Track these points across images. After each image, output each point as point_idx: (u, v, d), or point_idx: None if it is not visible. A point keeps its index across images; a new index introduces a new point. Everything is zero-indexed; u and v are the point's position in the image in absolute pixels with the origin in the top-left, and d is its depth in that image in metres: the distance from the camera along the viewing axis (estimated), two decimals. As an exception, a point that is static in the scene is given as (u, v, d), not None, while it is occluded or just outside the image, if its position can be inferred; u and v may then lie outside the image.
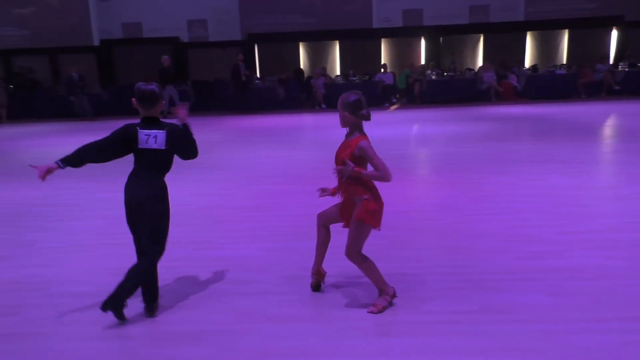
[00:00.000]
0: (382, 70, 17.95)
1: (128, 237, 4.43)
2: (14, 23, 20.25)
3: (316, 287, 3.55)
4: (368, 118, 3.20)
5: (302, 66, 20.98)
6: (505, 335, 2.92)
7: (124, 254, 4.36)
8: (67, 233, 5.05)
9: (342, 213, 3.34)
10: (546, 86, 17.20)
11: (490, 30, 20.44)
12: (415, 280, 3.69)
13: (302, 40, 21.01)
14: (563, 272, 3.73)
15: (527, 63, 20.56)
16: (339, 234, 3.49)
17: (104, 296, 3.59)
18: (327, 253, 3.53)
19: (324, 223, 3.48)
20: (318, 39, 20.90)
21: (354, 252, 3.23)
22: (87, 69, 19.01)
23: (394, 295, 3.31)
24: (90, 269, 4.11)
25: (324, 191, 3.45)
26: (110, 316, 3.30)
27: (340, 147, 3.26)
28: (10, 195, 6.71)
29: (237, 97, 16.48)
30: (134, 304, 3.39)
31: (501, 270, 3.80)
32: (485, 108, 15.28)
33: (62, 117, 16.81)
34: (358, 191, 3.16)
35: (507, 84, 17.29)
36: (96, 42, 20.40)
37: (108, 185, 6.99)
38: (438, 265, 3.95)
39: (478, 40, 21.21)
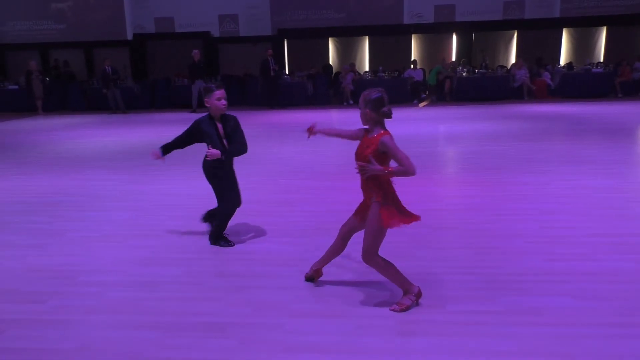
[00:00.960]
0: (412, 66, 17.76)
1: (156, 229, 4.53)
2: (52, 17, 20.78)
3: (309, 279, 3.66)
4: (389, 116, 3.13)
5: (331, 62, 20.94)
6: (530, 338, 2.87)
7: (152, 245, 4.45)
8: (98, 223, 5.17)
9: (359, 211, 3.34)
10: (582, 85, 16.73)
11: (525, 26, 19.99)
12: (439, 279, 3.64)
13: (331, 36, 20.96)
14: (592, 275, 3.64)
15: (562, 61, 20.05)
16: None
17: (129, 286, 3.68)
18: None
19: (343, 236, 3.47)
20: (348, 35, 20.81)
21: (371, 255, 3.19)
22: (120, 62, 19.39)
23: (419, 295, 3.27)
24: (118, 259, 4.20)
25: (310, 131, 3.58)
26: (135, 306, 3.37)
27: (360, 144, 3.23)
28: (45, 185, 6.90)
29: (266, 92, 16.55)
30: (150, 295, 3.44)
31: (528, 272, 3.73)
32: (518, 106, 14.98)
33: (96, 110, 17.20)
34: (372, 191, 3.15)
35: (540, 82, 16.90)
36: (129, 37, 20.77)
37: (139, 176, 7.13)
38: (463, 265, 3.90)
39: (511, 37, 20.78)
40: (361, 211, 3.33)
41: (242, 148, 4.23)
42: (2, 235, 4.88)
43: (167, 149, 4.37)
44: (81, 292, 3.61)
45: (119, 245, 4.54)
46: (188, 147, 4.39)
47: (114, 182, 6.91)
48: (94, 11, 20.60)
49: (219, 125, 4.16)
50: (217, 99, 4.01)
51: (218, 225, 4.38)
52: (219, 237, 4.42)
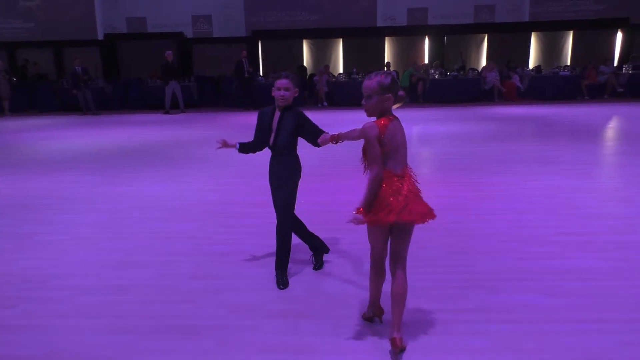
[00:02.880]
0: (386, 68, 17.92)
1: (128, 231, 4.44)
2: (20, 16, 20.28)
3: (368, 319, 3.13)
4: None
5: (305, 63, 20.96)
6: (502, 335, 2.92)
7: (124, 248, 4.38)
8: (67, 226, 5.06)
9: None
10: (550, 87, 17.14)
11: (495, 30, 20.39)
12: (415, 278, 3.67)
13: (306, 38, 20.99)
14: (562, 273, 3.73)
15: (531, 64, 20.51)
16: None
17: (102, 289, 3.61)
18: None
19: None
20: (322, 37, 20.87)
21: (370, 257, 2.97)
22: (91, 62, 19.05)
23: (371, 318, 3.08)
24: (90, 262, 4.12)
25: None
26: (108, 309, 3.32)
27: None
28: (12, 187, 6.72)
29: (240, 93, 16.46)
30: (132, 296, 3.39)
31: (500, 270, 3.80)
32: (488, 108, 15.25)
33: (66, 111, 16.84)
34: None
35: (510, 84, 17.24)
36: (100, 36, 20.41)
37: (110, 178, 7.00)
38: (437, 264, 3.95)
39: (482, 40, 21.16)
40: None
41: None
42: (-32, 239, 4.74)
43: (244, 146, 3.78)
44: (52, 296, 3.53)
45: (91, 248, 4.45)
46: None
47: (84, 184, 6.77)
48: (64, 10, 20.18)
49: (276, 116, 3.65)
50: (277, 88, 3.59)
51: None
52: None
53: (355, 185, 6.30)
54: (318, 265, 3.95)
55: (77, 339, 2.98)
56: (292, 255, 4.15)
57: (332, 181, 6.45)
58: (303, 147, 3.73)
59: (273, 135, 3.62)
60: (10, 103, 16.54)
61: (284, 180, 3.64)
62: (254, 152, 3.83)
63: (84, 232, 4.86)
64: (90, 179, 7.04)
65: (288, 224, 3.68)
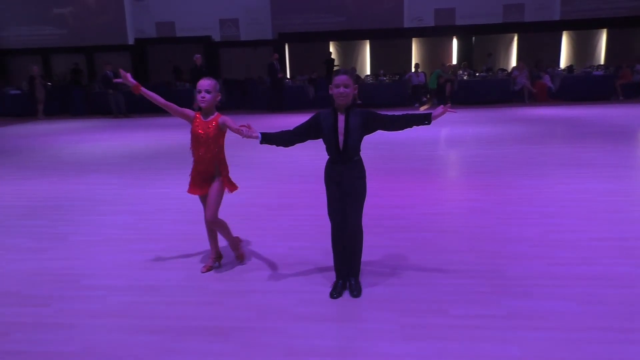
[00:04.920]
0: (414, 69, 17.79)
1: (157, 233, 4.51)
2: (53, 22, 20.85)
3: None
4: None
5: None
6: (533, 342, 2.86)
7: (153, 249, 4.45)
8: (98, 227, 5.17)
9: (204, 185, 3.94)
10: (582, 87, 16.76)
11: (525, 29, 20.05)
12: (442, 283, 3.64)
13: (332, 40, 21.01)
14: (594, 279, 3.63)
15: (563, 63, 20.10)
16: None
17: (131, 290, 3.68)
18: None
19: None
20: (348, 39, 20.87)
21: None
22: (122, 67, 19.46)
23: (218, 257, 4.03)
24: (119, 263, 4.20)
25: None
26: (137, 310, 3.37)
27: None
28: (46, 189, 6.91)
29: (271, 95, 16.61)
30: (153, 297, 3.44)
31: (531, 276, 3.73)
32: (518, 109, 15.00)
33: (97, 114, 17.23)
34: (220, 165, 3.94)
35: (541, 85, 16.93)
36: (131, 41, 20.82)
37: (140, 180, 7.13)
38: (465, 269, 3.89)
39: (511, 40, 20.84)
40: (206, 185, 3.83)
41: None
42: (5, 238, 4.89)
43: (268, 137, 3.43)
44: (84, 295, 3.61)
45: (120, 249, 4.54)
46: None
47: (115, 186, 6.91)
48: (95, 16, 20.67)
49: (341, 118, 3.34)
50: (335, 85, 3.27)
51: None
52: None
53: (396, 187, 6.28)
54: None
55: (107, 338, 3.04)
56: (318, 261, 4.16)
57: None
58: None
59: (342, 139, 3.30)
60: (45, 107, 17.00)
61: (356, 187, 3.37)
62: (279, 145, 3.49)
63: (114, 233, 4.96)
64: (120, 181, 7.19)
65: (361, 230, 3.50)
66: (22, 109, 17.24)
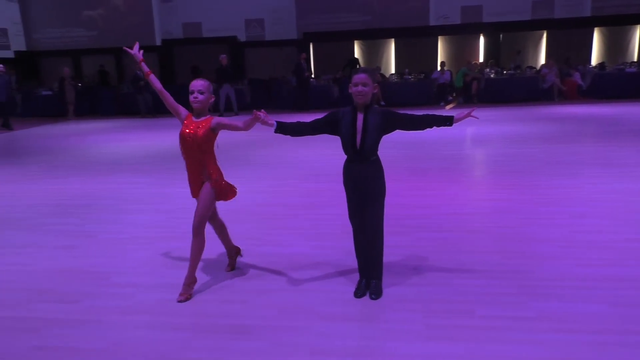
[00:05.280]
0: (440, 68, 17.62)
1: (183, 231, 4.56)
2: (84, 24, 21.31)
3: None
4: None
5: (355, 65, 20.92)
6: (561, 344, 2.81)
7: (179, 247, 4.51)
8: (126, 225, 5.27)
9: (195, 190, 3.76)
10: (614, 85, 16.31)
11: (554, 26, 19.64)
12: (467, 283, 3.60)
13: (357, 39, 20.95)
14: (624, 281, 3.54)
15: (594, 61, 19.62)
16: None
17: (158, 288, 3.73)
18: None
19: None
20: (373, 37, 20.78)
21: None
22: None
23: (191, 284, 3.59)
24: (146, 261, 4.27)
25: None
26: (164, 307, 3.42)
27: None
28: (77, 187, 7.07)
29: (297, 95, 16.68)
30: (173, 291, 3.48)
31: (559, 277, 3.65)
32: (547, 108, 14.71)
33: (125, 114, 17.55)
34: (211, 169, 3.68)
35: (571, 83, 16.55)
36: (158, 42, 21.13)
37: (166, 180, 7.24)
38: (491, 269, 3.84)
39: (541, 37, 20.44)
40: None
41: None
42: (37, 236, 5.02)
43: (283, 127, 3.40)
44: (113, 293, 3.69)
45: (148, 247, 4.61)
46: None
47: (143, 185, 7.03)
48: (124, 18, 21.04)
49: (359, 117, 3.33)
50: (354, 84, 3.26)
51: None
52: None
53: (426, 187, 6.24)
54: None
55: (134, 335, 3.09)
56: (341, 261, 4.16)
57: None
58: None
59: (359, 138, 3.29)
60: (75, 108, 17.38)
61: (374, 187, 3.36)
62: (292, 135, 3.49)
63: (141, 232, 5.05)
64: (148, 180, 7.31)
65: (382, 232, 3.46)
66: (54, 110, 17.65)
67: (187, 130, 3.53)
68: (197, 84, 3.55)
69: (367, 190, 3.36)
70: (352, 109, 3.35)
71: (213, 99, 3.63)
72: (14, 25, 21.03)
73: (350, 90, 3.30)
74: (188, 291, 3.55)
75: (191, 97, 3.54)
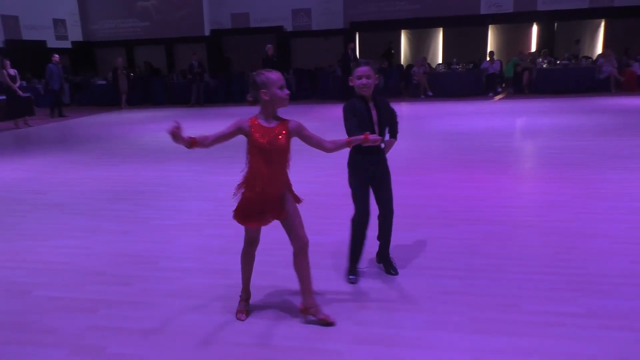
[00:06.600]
0: (489, 58, 17.16)
1: (229, 219, 4.63)
2: (137, 15, 21.95)
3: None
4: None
5: (402, 55, 20.65)
6: (613, 342, 2.72)
7: (227, 235, 4.61)
8: (176, 212, 5.43)
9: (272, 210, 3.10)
10: (678, 75, 15.48)
11: (613, 15, 18.76)
12: (516, 278, 3.53)
13: (404, 28, 20.67)
14: (686, 281, 3.38)
15: (655, 50, 18.63)
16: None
17: (205, 273, 3.83)
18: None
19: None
20: (422, 27, 20.44)
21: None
22: (199, 57, 20.21)
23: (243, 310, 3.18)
24: (195, 247, 4.39)
25: None
26: (210, 292, 3.51)
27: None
28: (130, 175, 7.33)
29: (343, 84, 16.66)
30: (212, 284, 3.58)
31: (614, 274, 3.52)
32: (603, 99, 14.10)
33: (176, 104, 17.99)
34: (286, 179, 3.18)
35: (630, 73, 15.80)
36: (207, 32, 21.51)
37: (216, 168, 7.41)
38: (541, 264, 3.74)
39: (598, 26, 19.58)
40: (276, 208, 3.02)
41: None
42: (94, 221, 5.24)
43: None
44: (162, 276, 3.81)
45: (196, 233, 4.74)
46: None
47: (191, 173, 7.22)
48: (176, 9, 21.53)
49: (371, 105, 3.36)
50: (357, 77, 3.27)
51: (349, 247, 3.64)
52: (349, 264, 3.66)
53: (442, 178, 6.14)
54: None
55: (182, 318, 3.20)
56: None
57: (427, 175, 6.34)
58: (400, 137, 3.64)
59: (377, 128, 3.33)
60: (128, 97, 17.99)
61: (388, 172, 3.59)
62: None
63: (190, 219, 5.19)
64: (196, 169, 7.49)
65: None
66: (108, 99, 18.30)
67: (265, 140, 2.94)
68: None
69: (384, 177, 3.54)
70: (362, 101, 3.36)
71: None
72: (72, 17, 21.90)
73: (352, 84, 3.33)
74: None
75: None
